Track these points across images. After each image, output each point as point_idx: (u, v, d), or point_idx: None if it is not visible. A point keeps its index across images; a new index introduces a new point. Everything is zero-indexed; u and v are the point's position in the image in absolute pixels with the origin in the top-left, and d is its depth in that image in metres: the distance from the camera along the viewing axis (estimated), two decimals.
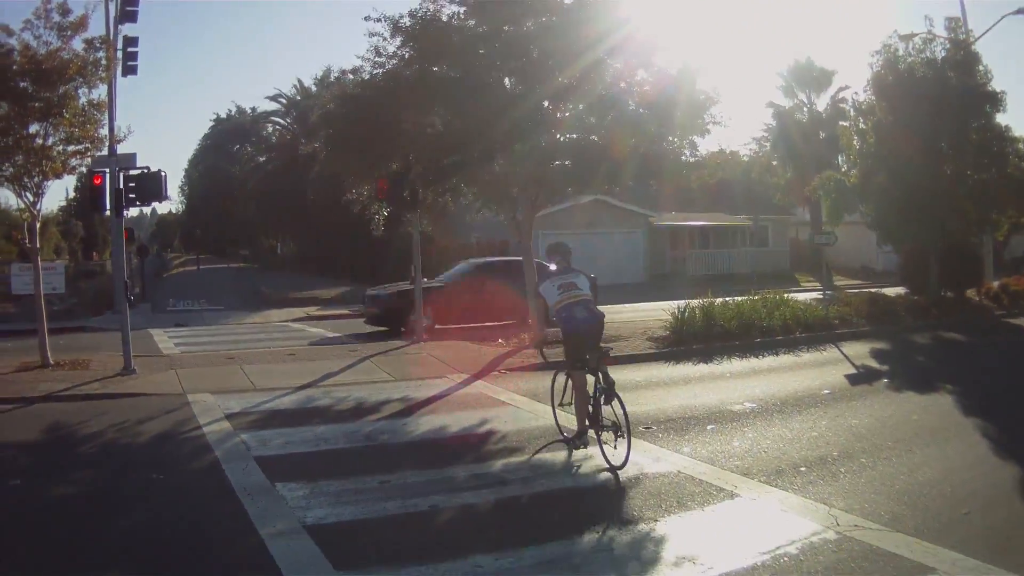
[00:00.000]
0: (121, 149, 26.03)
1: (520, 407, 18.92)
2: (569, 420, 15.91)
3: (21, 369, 25.19)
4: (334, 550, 10.28)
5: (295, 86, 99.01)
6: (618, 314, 38.30)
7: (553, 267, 15.94)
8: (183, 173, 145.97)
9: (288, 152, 79.39)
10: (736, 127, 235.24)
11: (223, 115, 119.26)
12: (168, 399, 20.79)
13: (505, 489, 13.04)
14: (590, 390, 14.73)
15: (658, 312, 29.41)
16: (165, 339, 35.00)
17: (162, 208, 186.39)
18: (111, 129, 26.36)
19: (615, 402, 14.13)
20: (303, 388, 21.93)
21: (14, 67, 23.67)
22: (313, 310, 48.67)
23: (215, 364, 26.23)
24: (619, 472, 13.65)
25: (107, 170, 25.02)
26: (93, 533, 11.31)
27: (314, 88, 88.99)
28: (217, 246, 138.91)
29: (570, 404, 15.64)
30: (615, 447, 14.03)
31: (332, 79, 50.47)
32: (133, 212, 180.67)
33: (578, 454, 14.80)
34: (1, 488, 13.61)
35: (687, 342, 26.85)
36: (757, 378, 22.50)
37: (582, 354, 14.83)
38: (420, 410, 19.17)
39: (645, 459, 14.26)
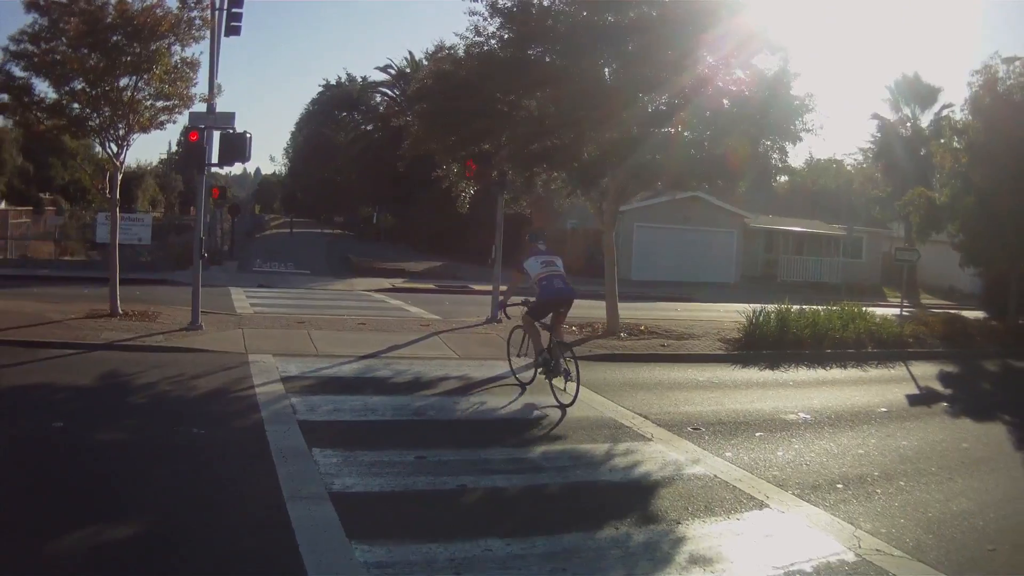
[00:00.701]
0: (212, 107, 26.35)
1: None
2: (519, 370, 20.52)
3: (90, 316, 25.73)
4: (352, 519, 10.38)
5: (406, 58, 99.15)
6: (699, 312, 38.75)
7: (542, 247, 19.57)
8: (289, 136, 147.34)
9: (392, 123, 79.95)
10: (841, 135, 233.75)
11: (332, 81, 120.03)
12: (228, 357, 21.11)
13: (538, 476, 13.13)
14: (545, 343, 19.09)
15: (739, 314, 29.12)
16: (243, 298, 35.59)
17: (266, 169, 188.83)
18: (211, 87, 26.65)
19: (568, 354, 18.33)
20: (365, 358, 22.11)
21: (107, 20, 24.20)
22: (399, 282, 48.70)
23: (284, 327, 26.64)
24: (568, 410, 17.30)
25: (203, 127, 25.45)
26: (118, 479, 11.63)
27: (425, 62, 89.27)
28: (315, 211, 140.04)
29: (526, 355, 20.00)
30: (564, 389, 17.93)
31: (443, 54, 51.27)
32: (236, 170, 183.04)
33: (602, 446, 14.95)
34: (42, 428, 13.97)
35: (758, 346, 26.62)
36: (819, 389, 22.31)
37: (547, 313, 19.23)
38: (475, 390, 19.26)
39: (684, 459, 14.37)
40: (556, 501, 12.08)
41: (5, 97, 25.76)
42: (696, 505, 11.88)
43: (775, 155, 27.27)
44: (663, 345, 26.64)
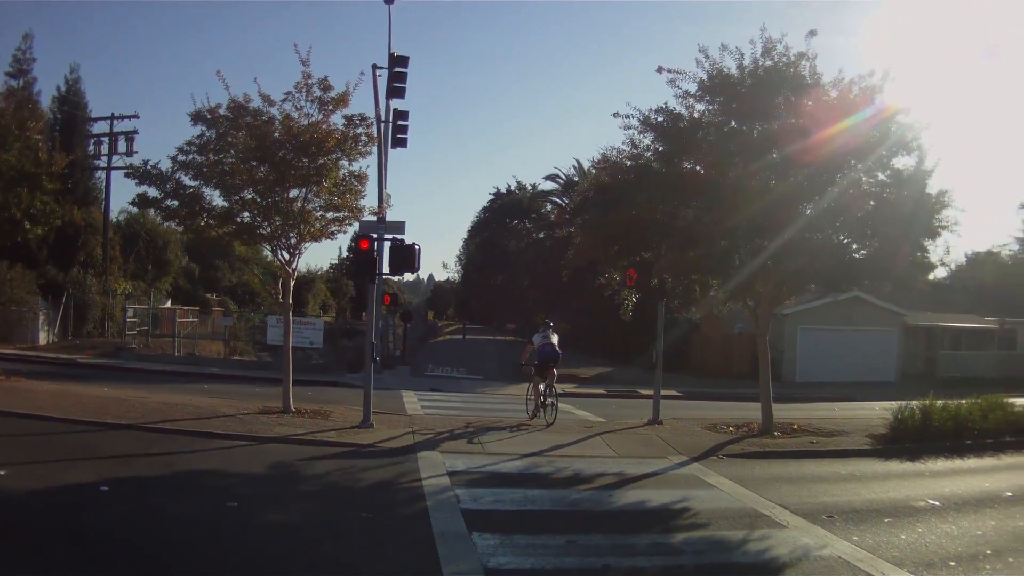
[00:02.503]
0: (382, 217, 27.75)
1: (723, 490, 19.75)
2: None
3: (262, 412, 27.41)
4: None
5: (573, 166, 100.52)
6: (855, 411, 38.98)
7: (542, 330, 31.88)
8: (461, 243, 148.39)
9: (556, 234, 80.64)
10: (995, 228, 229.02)
11: (502, 190, 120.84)
12: (397, 452, 22.55)
13: (677, 558, 14.11)
14: (542, 387, 30.45)
15: (887, 412, 28.77)
16: (414, 401, 37.01)
17: (439, 275, 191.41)
18: (380, 198, 28.00)
19: (551, 392, 30.30)
20: (528, 456, 23.18)
21: (275, 134, 25.85)
22: (569, 387, 48.26)
23: (453, 427, 27.72)
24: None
25: (374, 235, 26.95)
26: (291, 552, 13.14)
27: (593, 170, 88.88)
28: (488, 317, 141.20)
29: (531, 397, 31.51)
30: (554, 416, 30.04)
31: (604, 165, 52.38)
32: (409, 277, 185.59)
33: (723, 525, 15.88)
34: (217, 507, 15.71)
35: (902, 440, 26.93)
36: (951, 478, 22.51)
37: (543, 370, 30.63)
38: (629, 485, 20.18)
39: (813, 543, 15.17)
40: None
41: (175, 203, 27.10)
42: None
43: (917, 253, 27.59)
44: (812, 442, 27.25)
